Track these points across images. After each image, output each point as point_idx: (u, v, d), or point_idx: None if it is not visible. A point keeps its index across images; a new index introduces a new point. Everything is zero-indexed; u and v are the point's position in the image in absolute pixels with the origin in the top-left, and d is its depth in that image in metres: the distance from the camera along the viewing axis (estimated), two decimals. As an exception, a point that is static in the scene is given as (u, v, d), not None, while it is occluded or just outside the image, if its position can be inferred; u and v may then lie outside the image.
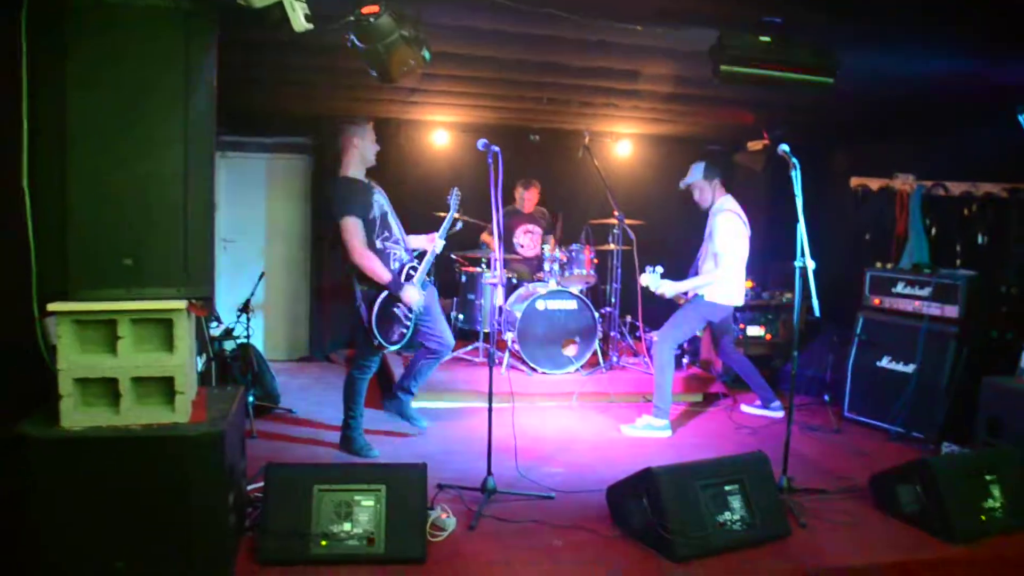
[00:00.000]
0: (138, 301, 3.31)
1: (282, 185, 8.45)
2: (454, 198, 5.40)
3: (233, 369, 5.69)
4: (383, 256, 4.99)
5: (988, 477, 4.28)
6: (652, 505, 3.86)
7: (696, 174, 6.12)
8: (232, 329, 5.92)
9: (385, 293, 4.97)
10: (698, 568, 3.70)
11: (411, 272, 5.10)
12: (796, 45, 3.97)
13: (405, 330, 5.10)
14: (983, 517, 4.16)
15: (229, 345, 5.86)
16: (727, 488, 4.04)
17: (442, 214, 5.48)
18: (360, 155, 5.08)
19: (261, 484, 3.88)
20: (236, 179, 8.21)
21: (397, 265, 5.06)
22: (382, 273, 4.93)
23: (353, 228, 4.86)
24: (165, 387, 3.33)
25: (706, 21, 4.15)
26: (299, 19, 3.29)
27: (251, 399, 5.61)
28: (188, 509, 3.26)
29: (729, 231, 5.87)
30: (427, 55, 3.76)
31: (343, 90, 6.68)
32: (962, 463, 4.37)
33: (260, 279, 6.10)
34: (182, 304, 3.33)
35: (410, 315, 5.08)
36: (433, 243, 5.28)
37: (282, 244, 8.46)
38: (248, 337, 5.96)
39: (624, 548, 3.91)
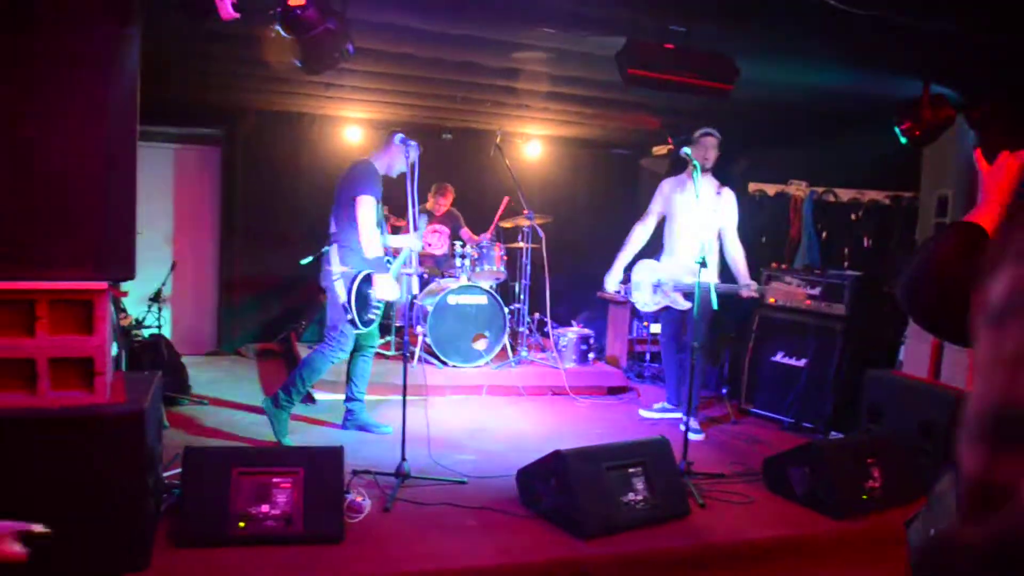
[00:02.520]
0: (57, 281, 3.31)
1: (192, 176, 8.36)
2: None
3: (144, 359, 5.64)
4: None
5: (869, 460, 4.63)
6: (561, 485, 4.05)
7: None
8: (142, 320, 5.87)
9: (360, 275, 5.12)
10: (604, 544, 3.90)
11: (388, 263, 5.34)
12: (698, 53, 4.23)
13: (374, 316, 5.25)
14: (864, 496, 4.50)
15: (139, 335, 5.81)
16: (631, 470, 4.26)
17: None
18: (388, 160, 5.32)
19: (177, 471, 3.91)
20: (143, 169, 8.03)
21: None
22: (379, 249, 5.21)
23: (368, 205, 5.14)
24: (84, 368, 3.34)
25: (616, 27, 4.38)
26: (227, 7, 3.35)
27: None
28: (109, 490, 3.27)
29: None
30: (351, 48, 3.86)
31: (258, 81, 6.69)
32: (847, 447, 4.71)
33: (171, 270, 6.06)
34: (103, 285, 3.34)
35: (379, 302, 5.23)
36: (410, 240, 5.45)
37: (191, 236, 8.36)
38: (159, 328, 5.92)
39: (534, 526, 4.09)
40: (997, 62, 4.18)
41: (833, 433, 5.82)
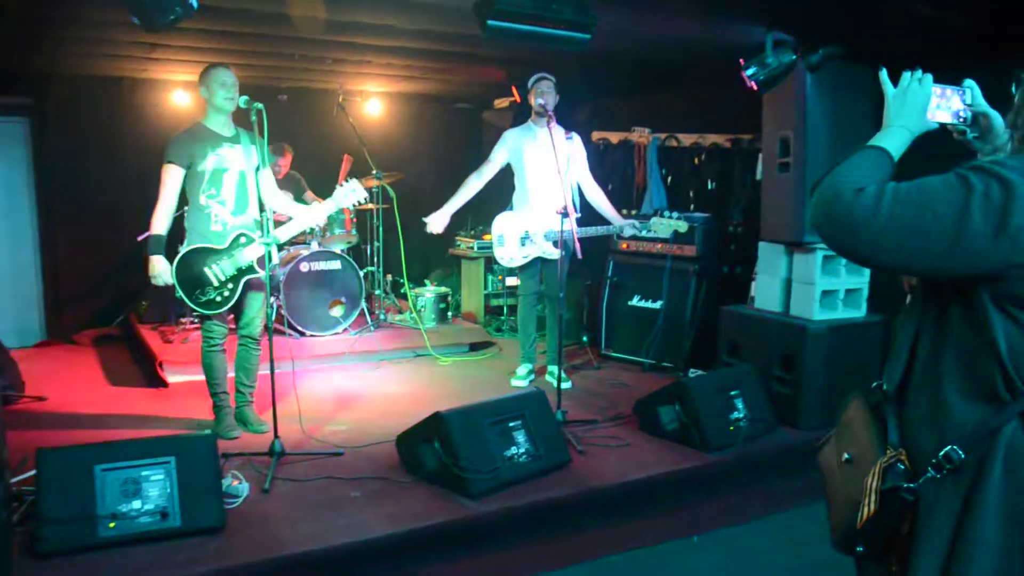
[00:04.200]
0: None
1: (-2, 152, 7.63)
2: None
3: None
4: (202, 214, 4.67)
5: (733, 392, 4.84)
6: (444, 447, 4.00)
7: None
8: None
9: (185, 250, 4.63)
10: (492, 501, 3.90)
11: (242, 239, 4.69)
12: (558, 2, 4.19)
13: (219, 297, 4.65)
14: (731, 428, 4.71)
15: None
16: (511, 424, 4.27)
17: None
18: (210, 103, 4.72)
19: (27, 475, 3.59)
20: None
21: (220, 228, 4.68)
22: (154, 226, 4.63)
23: (164, 176, 4.63)
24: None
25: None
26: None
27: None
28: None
29: None
30: (195, 2, 3.57)
31: (73, 44, 6.12)
32: (711, 382, 4.90)
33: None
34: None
35: (229, 283, 4.66)
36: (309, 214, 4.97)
37: (3, 219, 7.63)
38: (-17, 320, 5.40)
39: (420, 492, 4.03)
40: (830, 9, 4.37)
41: (692, 371, 6.05)
